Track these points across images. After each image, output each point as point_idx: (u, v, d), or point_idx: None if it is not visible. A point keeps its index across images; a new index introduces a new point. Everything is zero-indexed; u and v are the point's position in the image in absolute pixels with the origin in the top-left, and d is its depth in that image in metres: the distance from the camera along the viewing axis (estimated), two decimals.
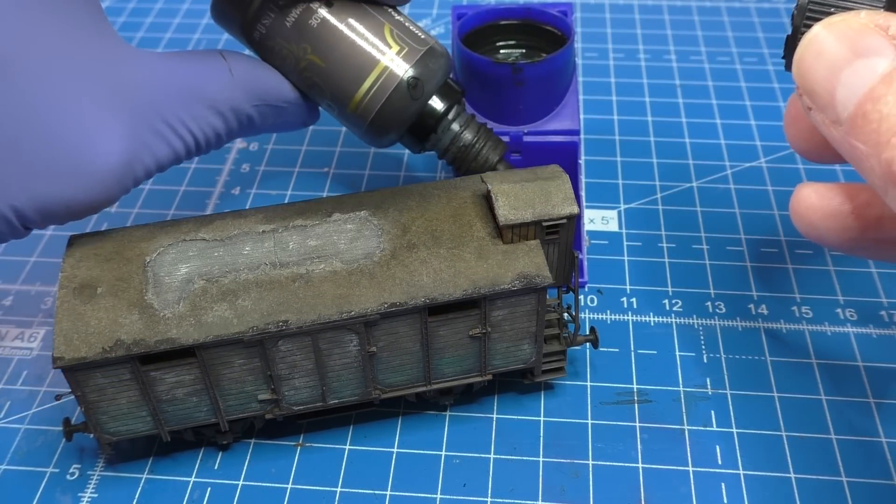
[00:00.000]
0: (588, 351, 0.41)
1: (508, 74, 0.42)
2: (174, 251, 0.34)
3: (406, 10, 0.66)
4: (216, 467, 0.37)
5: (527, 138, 0.44)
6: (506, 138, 0.44)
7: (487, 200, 0.36)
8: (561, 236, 0.36)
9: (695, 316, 0.43)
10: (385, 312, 0.33)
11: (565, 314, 0.39)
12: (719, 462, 0.37)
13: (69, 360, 0.32)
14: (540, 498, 0.36)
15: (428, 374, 0.36)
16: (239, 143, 0.54)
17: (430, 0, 0.67)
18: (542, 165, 0.37)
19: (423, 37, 0.38)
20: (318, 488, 0.36)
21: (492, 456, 0.37)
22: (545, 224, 0.35)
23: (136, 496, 0.36)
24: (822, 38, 0.25)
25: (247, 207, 0.40)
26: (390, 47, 0.37)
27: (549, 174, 0.36)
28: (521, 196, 0.35)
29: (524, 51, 0.47)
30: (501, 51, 0.47)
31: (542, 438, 0.38)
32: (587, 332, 0.39)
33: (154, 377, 0.33)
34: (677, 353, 0.41)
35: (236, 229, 0.35)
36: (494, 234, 0.35)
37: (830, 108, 0.25)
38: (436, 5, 0.67)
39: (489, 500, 0.36)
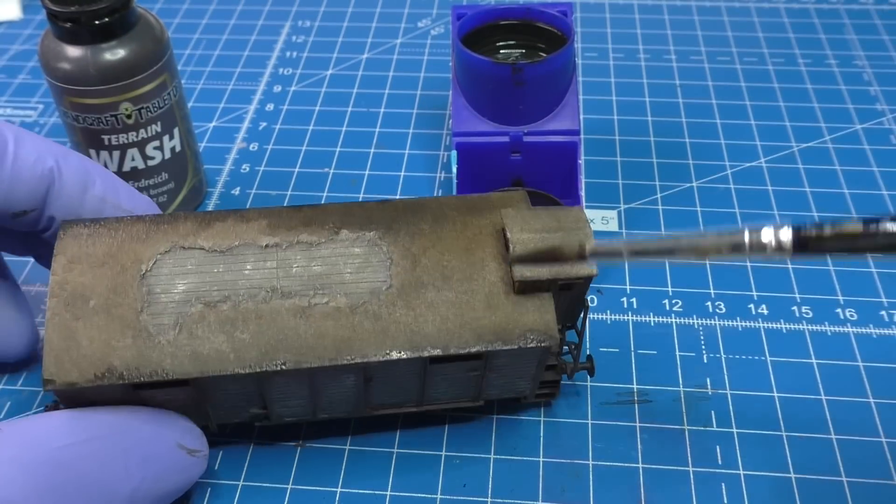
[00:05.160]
0: (588, 351, 0.41)
1: (508, 74, 0.42)
2: (171, 261, 0.33)
3: (409, 10, 0.66)
4: (216, 467, 0.37)
5: (527, 138, 0.44)
6: (506, 138, 0.44)
7: (503, 237, 0.34)
8: (575, 290, 0.34)
9: (695, 316, 0.43)
10: (385, 362, 0.32)
11: (565, 346, 0.38)
12: (719, 462, 0.37)
13: (60, 384, 0.31)
14: (540, 498, 0.36)
15: (421, 400, 0.36)
16: (239, 144, 0.54)
17: (430, 0, 0.67)
18: (566, 208, 0.35)
19: None
20: (318, 488, 0.36)
21: (492, 456, 0.37)
22: (560, 281, 0.33)
23: None
24: None
25: (247, 207, 0.40)
26: None
27: (573, 222, 0.34)
28: (539, 249, 0.33)
29: (524, 51, 0.47)
30: (501, 51, 0.47)
31: (542, 438, 0.38)
32: (584, 360, 0.38)
33: (145, 395, 0.33)
34: (677, 353, 0.41)
35: (237, 237, 0.34)
36: (506, 280, 0.34)
37: None
38: (436, 5, 0.67)
39: (489, 500, 0.36)
